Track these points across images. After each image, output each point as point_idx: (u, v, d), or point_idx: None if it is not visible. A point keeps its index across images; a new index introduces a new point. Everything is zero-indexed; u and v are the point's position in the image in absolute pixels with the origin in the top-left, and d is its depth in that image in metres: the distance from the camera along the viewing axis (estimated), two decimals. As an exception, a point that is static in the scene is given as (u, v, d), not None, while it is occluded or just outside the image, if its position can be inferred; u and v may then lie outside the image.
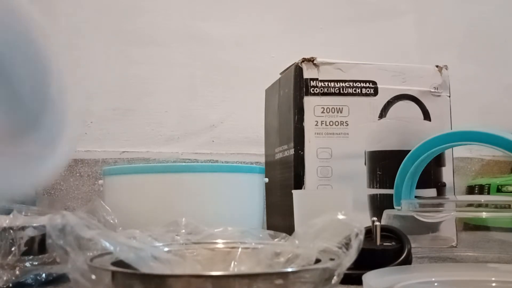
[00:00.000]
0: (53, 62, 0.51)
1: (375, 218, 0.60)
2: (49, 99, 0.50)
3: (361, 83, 0.83)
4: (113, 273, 0.34)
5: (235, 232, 0.49)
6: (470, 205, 0.73)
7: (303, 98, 0.81)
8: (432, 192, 0.84)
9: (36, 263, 0.52)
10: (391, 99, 0.83)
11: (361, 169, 0.82)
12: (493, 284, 0.46)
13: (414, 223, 0.74)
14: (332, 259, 0.38)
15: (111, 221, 0.59)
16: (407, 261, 0.57)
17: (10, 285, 0.50)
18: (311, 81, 0.82)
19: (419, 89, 0.85)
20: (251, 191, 0.77)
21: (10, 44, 0.47)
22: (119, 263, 0.38)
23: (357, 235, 0.38)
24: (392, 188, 0.78)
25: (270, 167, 0.95)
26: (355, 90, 0.83)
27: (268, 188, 0.97)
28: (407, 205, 0.75)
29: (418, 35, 1.39)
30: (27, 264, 0.51)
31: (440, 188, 0.85)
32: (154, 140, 1.26)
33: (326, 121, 0.81)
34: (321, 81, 0.82)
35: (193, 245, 0.48)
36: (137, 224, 0.49)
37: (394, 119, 0.83)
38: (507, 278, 0.46)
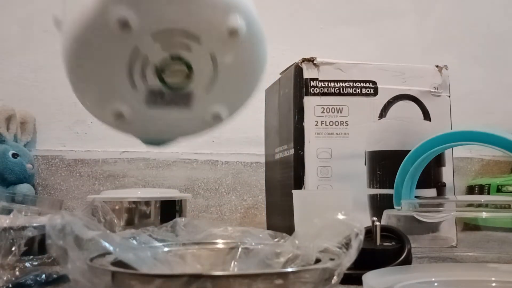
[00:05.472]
0: None
1: (375, 218, 0.60)
2: None
3: (361, 83, 0.83)
4: (113, 273, 0.34)
5: (235, 232, 0.49)
6: (470, 205, 0.73)
7: (303, 98, 0.81)
8: (432, 192, 0.84)
9: (36, 263, 0.52)
10: (391, 99, 0.83)
11: (361, 169, 0.82)
12: (493, 284, 0.46)
13: (414, 223, 0.74)
14: (332, 259, 0.38)
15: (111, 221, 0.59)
16: (407, 261, 0.57)
17: (10, 285, 0.50)
18: (311, 81, 0.81)
19: (419, 89, 0.85)
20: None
21: None
22: (119, 263, 0.38)
23: (357, 235, 0.38)
24: (392, 188, 0.78)
25: (270, 167, 0.95)
26: (355, 90, 0.83)
27: (268, 188, 0.97)
28: (407, 205, 0.74)
29: (418, 35, 1.39)
30: (27, 264, 0.51)
31: (440, 188, 0.84)
32: (154, 140, 1.26)
33: (326, 121, 0.81)
34: (321, 81, 0.82)
35: (193, 245, 0.48)
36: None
37: (394, 119, 0.83)
38: (507, 278, 0.46)
